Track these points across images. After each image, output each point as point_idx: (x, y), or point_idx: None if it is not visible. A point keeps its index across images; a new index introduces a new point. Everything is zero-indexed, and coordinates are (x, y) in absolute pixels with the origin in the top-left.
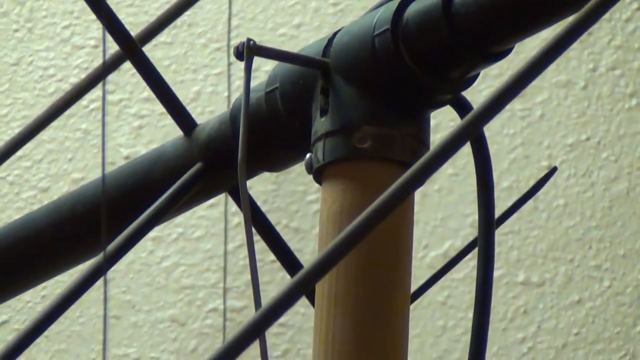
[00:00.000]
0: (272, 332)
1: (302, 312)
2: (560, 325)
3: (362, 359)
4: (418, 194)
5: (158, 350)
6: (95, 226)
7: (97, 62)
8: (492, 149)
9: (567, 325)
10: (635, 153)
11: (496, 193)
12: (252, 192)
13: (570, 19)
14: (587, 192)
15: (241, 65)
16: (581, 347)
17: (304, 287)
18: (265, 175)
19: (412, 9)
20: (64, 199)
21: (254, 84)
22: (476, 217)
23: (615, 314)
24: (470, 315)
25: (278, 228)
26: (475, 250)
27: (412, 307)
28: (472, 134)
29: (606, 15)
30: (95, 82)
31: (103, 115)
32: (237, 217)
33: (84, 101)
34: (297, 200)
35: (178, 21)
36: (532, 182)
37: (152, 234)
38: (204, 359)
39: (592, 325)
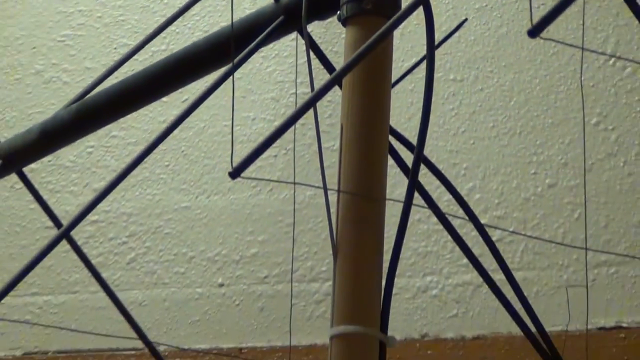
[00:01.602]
0: (323, 104)
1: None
2: (472, 101)
3: (368, 118)
4: (396, 33)
5: (265, 113)
6: (223, 51)
7: None
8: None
9: (476, 101)
10: None
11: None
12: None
13: None
14: None
15: None
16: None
17: (338, 79)
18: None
19: None
20: (199, 41)
21: None
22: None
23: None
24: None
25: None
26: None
27: (393, 90)
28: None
29: None
30: None
31: None
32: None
33: None
34: (337, 38)
35: None
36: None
37: None
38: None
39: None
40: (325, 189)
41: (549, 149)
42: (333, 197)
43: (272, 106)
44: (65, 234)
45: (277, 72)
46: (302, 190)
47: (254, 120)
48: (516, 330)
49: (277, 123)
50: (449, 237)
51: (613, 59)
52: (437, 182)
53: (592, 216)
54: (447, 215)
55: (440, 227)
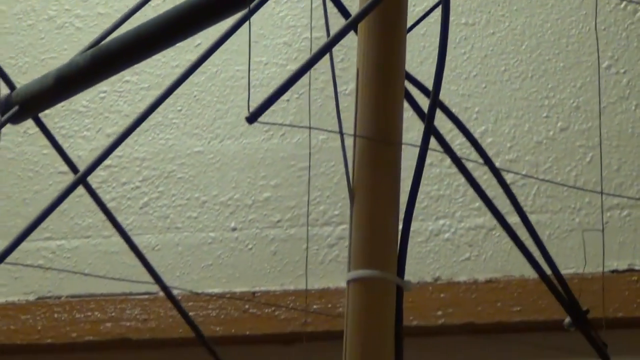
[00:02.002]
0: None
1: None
2: (484, 45)
3: (384, 62)
4: None
5: (277, 58)
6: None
7: None
8: None
9: (488, 45)
10: None
11: None
12: None
13: None
14: None
15: None
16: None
17: (354, 24)
18: None
19: None
20: None
21: None
22: None
23: None
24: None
25: None
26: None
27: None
28: None
29: None
30: None
31: None
32: None
33: None
34: None
35: None
36: None
37: None
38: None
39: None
40: (342, 133)
41: (560, 93)
42: (346, 142)
43: (284, 51)
44: (82, 180)
45: (289, 16)
46: (314, 135)
47: (267, 65)
48: (529, 273)
49: (290, 67)
50: (462, 181)
51: (624, 3)
52: (449, 127)
53: (604, 159)
54: (462, 159)
55: (453, 170)
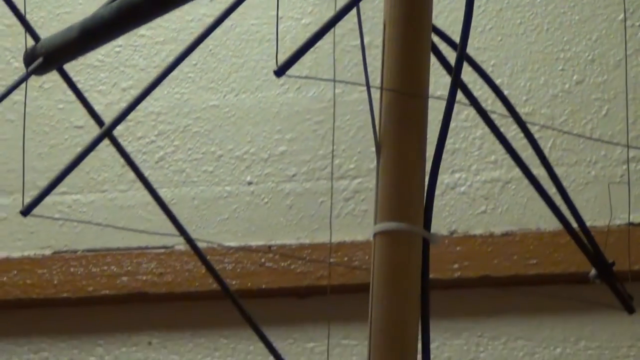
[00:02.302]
0: None
1: None
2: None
3: (411, 15)
4: None
5: (292, 12)
6: None
7: None
8: None
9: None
10: None
11: None
12: None
13: None
14: None
15: None
16: None
17: None
18: None
19: None
20: None
21: None
22: None
23: None
24: None
25: None
26: None
27: None
28: None
29: None
30: None
31: None
32: None
33: None
34: None
35: None
36: None
37: None
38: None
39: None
40: (369, 87)
41: (576, 46)
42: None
43: (299, 5)
44: (108, 133)
45: None
46: (329, 89)
47: (282, 19)
48: (545, 226)
49: (305, 21)
50: (477, 134)
51: None
52: (466, 79)
53: (621, 112)
54: (488, 112)
55: (469, 124)
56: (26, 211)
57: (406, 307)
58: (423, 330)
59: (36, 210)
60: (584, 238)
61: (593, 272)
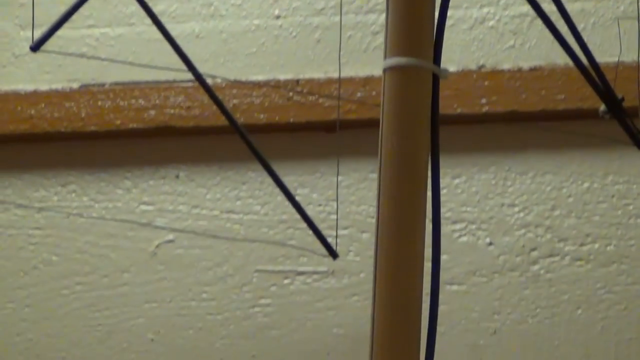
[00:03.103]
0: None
1: None
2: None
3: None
4: None
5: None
6: None
7: None
8: None
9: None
10: None
11: None
12: None
13: None
14: None
15: None
16: None
17: None
18: None
19: None
20: None
21: None
22: None
23: None
24: None
25: None
26: None
27: None
28: None
29: None
30: None
31: None
32: None
33: None
34: None
35: None
36: None
37: None
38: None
39: None
40: None
41: None
42: None
43: None
44: None
45: None
46: None
47: None
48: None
49: None
50: None
51: None
52: None
53: None
54: None
55: None
56: (35, 46)
57: (416, 142)
58: (433, 167)
59: (62, 45)
60: (593, 73)
61: (602, 107)
